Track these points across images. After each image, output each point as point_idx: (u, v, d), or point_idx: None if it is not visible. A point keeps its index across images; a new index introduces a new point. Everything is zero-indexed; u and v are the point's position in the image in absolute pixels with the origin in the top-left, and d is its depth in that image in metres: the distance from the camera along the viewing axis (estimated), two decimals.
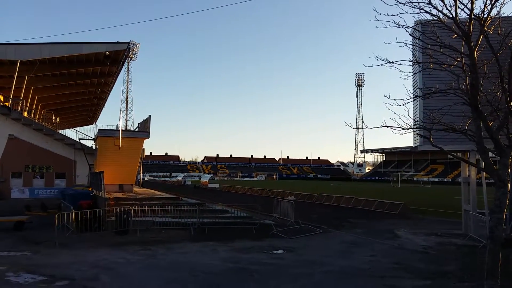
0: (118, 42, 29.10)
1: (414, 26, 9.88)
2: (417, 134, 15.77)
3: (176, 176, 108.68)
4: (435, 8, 7.41)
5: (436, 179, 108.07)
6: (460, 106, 8.41)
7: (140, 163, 39.85)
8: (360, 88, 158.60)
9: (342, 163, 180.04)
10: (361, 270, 11.21)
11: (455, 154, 12.20)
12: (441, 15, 7.47)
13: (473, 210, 17.32)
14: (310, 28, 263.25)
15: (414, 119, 14.55)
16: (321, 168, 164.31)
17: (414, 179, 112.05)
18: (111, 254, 12.88)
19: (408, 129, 8.70)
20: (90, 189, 24.49)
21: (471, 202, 17.76)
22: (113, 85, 39.22)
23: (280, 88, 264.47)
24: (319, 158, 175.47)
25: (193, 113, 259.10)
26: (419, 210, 29.04)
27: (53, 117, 41.11)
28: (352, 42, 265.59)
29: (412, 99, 9.64)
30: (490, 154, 8.17)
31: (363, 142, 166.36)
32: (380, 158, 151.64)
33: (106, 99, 45.46)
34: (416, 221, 22.96)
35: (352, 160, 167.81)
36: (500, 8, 7.54)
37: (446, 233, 18.09)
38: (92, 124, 52.55)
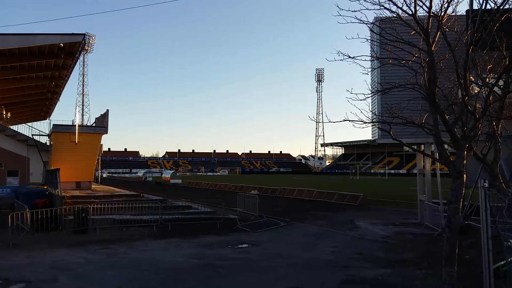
0: (73, 34, 27.83)
1: (374, 21, 10.11)
2: (378, 127, 16.23)
3: (137, 173, 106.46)
4: (395, 4, 7.62)
5: (392, 171, 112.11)
6: (418, 101, 8.71)
7: (98, 159, 38.61)
8: (320, 83, 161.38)
9: (303, 156, 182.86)
10: (324, 262, 11.44)
11: (413, 147, 12.65)
12: (400, 12, 7.69)
13: (428, 200, 18.10)
14: (270, 23, 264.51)
15: (373, 113, 14.98)
16: (283, 162, 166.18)
17: (372, 171, 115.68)
18: (70, 254, 12.41)
19: (369, 123, 8.92)
20: (45, 187, 23.47)
21: (426, 192, 18.55)
22: (68, 78, 37.57)
23: (242, 83, 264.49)
24: (281, 152, 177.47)
25: (153, 107, 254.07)
26: (377, 201, 30.02)
27: (4, 112, 38.91)
28: (313, 37, 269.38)
29: (372, 94, 9.90)
30: (446, 146, 8.53)
31: (323, 136, 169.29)
32: (339, 151, 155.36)
33: (61, 93, 43.53)
34: (374, 211, 23.72)
35: (313, 154, 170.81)
36: (456, 7, 7.87)
37: (403, 223, 18.81)
38: (46, 119, 50.25)
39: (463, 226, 14.60)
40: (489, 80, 8.27)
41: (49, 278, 9.73)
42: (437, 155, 9.35)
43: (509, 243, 5.85)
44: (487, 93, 7.69)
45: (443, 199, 16.12)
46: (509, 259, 5.74)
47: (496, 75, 8.16)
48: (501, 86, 8.04)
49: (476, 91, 9.24)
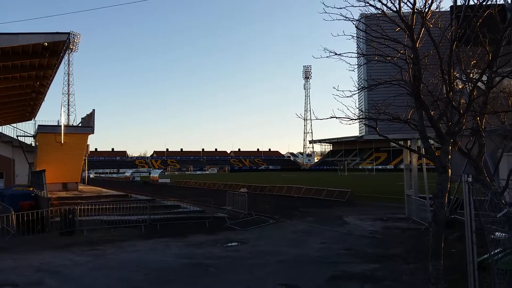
0: (57, 33, 27.32)
1: (359, 18, 10.16)
2: (364, 124, 16.34)
3: (124, 172, 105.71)
4: (380, 1, 7.66)
5: (380, 167, 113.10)
6: (404, 97, 8.78)
7: (84, 159, 38.20)
8: (308, 80, 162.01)
9: (292, 154, 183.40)
10: (313, 258, 11.49)
11: (399, 142, 12.77)
12: (385, 9, 7.73)
13: (415, 195, 18.31)
14: (258, 19, 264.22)
15: (360, 110, 15.08)
16: (272, 159, 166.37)
17: (360, 167, 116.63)
18: (57, 256, 12.26)
19: (355, 119, 8.96)
20: (31, 189, 23.12)
21: (413, 187, 18.76)
22: (53, 78, 36.93)
23: (230, 80, 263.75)
24: (269, 149, 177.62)
25: (140, 106, 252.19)
26: (365, 196, 30.26)
27: None
28: (301, 34, 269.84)
29: (358, 91, 9.96)
30: (431, 141, 8.63)
31: (312, 133, 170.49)
32: (327, 148, 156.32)
33: (46, 93, 42.78)
34: (362, 207, 23.91)
35: (302, 151, 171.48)
36: (440, 3, 7.95)
37: (391, 218, 19.00)
38: (31, 119, 49.32)
39: (449, 220, 14.80)
40: (473, 76, 8.37)
41: (35, 281, 9.60)
42: (423, 151, 9.48)
43: (493, 236, 5.95)
44: (471, 88, 7.79)
45: (430, 194, 16.32)
46: (492, 252, 5.84)
47: (479, 71, 8.27)
48: (485, 82, 8.15)
49: (460, 87, 9.36)
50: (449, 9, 14.38)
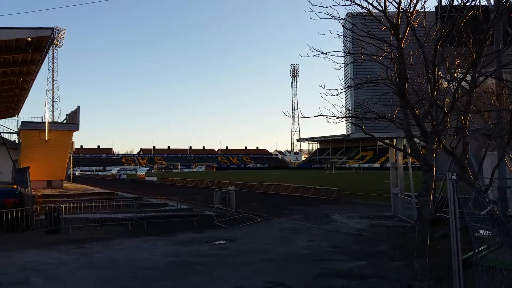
0: (41, 28, 26.85)
1: (345, 17, 10.20)
2: (350, 122, 16.46)
3: (110, 170, 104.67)
4: (366, 0, 7.70)
5: (367, 165, 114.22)
6: (389, 96, 8.84)
7: (69, 157, 37.78)
8: (295, 78, 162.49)
9: (279, 152, 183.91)
10: (300, 255, 11.55)
11: (385, 141, 12.90)
12: (371, 8, 7.77)
13: (401, 193, 18.52)
14: (246, 14, 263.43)
15: (346, 108, 15.18)
16: (260, 157, 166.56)
17: (347, 165, 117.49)
18: (42, 254, 12.10)
19: (341, 118, 9.01)
20: (15, 186, 22.79)
21: (399, 185, 18.97)
22: (37, 74, 36.34)
23: (218, 78, 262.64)
24: (257, 147, 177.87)
25: (127, 103, 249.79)
26: (352, 194, 30.52)
27: None
28: (289, 32, 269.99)
29: (344, 89, 10.01)
30: (417, 140, 8.73)
31: (299, 131, 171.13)
32: (315, 146, 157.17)
33: (29, 89, 42.04)
34: (349, 205, 24.11)
35: (289, 149, 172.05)
36: (424, 3, 8.03)
37: (377, 216, 19.20)
38: (14, 116, 48.57)
39: (435, 217, 15.05)
40: (457, 75, 8.48)
41: (20, 280, 9.46)
42: (408, 149, 9.59)
43: (477, 234, 6.05)
44: (455, 87, 7.89)
45: (415, 192, 16.52)
46: (477, 250, 5.94)
47: (463, 70, 8.38)
48: (469, 81, 8.27)
49: (444, 86, 9.48)
50: (433, 9, 14.56)
